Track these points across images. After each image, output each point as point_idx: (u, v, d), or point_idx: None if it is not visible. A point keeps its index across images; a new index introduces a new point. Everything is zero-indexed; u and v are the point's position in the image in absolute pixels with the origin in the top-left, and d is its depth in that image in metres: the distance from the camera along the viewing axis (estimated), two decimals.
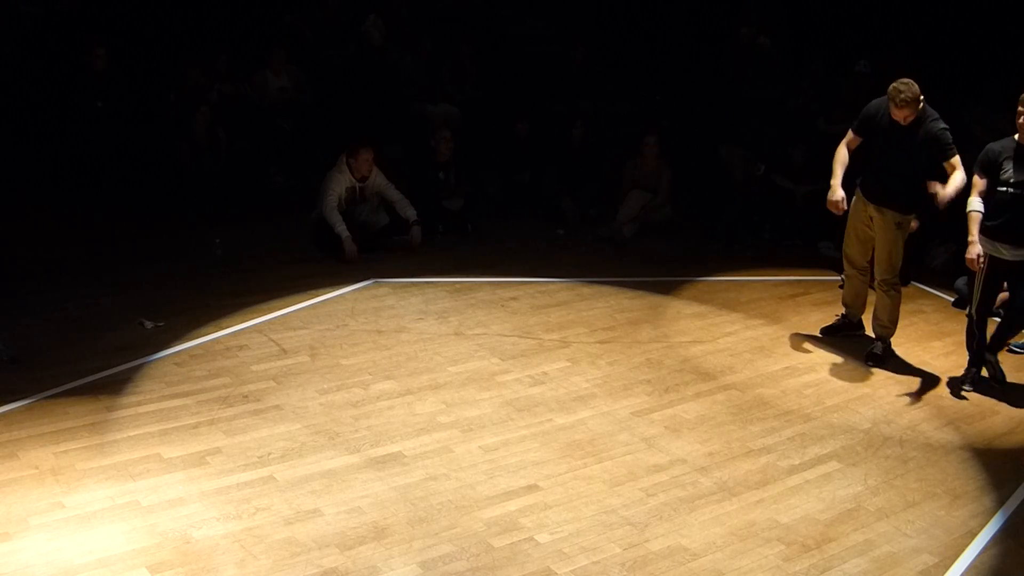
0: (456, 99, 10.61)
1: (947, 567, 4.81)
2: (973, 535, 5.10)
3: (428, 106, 10.42)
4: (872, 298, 7.27)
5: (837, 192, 6.88)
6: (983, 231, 6.40)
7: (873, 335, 7.24)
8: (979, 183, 6.43)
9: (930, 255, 9.06)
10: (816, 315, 7.75)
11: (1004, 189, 6.32)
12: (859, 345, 7.31)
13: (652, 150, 9.67)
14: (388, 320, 7.09)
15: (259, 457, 5.21)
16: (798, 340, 7.41)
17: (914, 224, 6.86)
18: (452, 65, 10.86)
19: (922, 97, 6.49)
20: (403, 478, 5.14)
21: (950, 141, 6.55)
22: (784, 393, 6.53)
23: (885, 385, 6.82)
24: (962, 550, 4.96)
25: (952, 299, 8.35)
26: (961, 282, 8.21)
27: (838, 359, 7.14)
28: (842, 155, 6.94)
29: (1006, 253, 6.41)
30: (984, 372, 6.84)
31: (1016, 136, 6.34)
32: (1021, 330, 6.70)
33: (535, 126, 10.18)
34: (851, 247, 7.18)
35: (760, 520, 5.06)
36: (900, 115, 6.51)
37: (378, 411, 5.82)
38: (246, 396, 5.83)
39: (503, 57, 11.38)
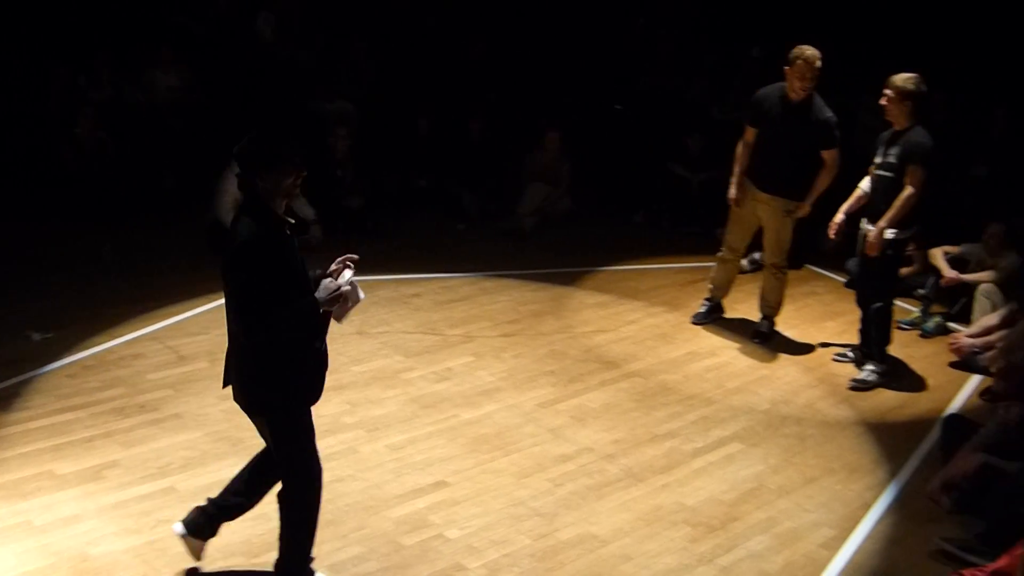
0: (352, 96, 10.51)
1: (845, 538, 4.96)
2: (868, 507, 5.27)
3: (323, 104, 10.29)
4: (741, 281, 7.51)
5: (733, 189, 7.13)
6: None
7: (760, 314, 7.45)
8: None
9: (822, 238, 9.27)
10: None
11: (872, 171, 6.56)
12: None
13: (553, 144, 9.74)
14: None
15: (159, 468, 5.09)
16: (699, 326, 7.54)
17: (805, 210, 7.02)
18: (347, 61, 10.75)
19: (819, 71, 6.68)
20: None
21: (837, 132, 6.78)
22: (686, 378, 6.64)
23: (783, 366, 6.98)
24: (859, 521, 5.12)
25: (844, 280, 8.57)
26: (852, 263, 8.41)
27: (737, 343, 7.28)
28: (739, 152, 7.12)
29: (868, 230, 6.56)
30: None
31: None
32: (879, 309, 6.88)
33: (435, 121, 10.15)
34: (733, 232, 7.36)
35: (666, 504, 5.14)
36: (802, 84, 6.65)
37: None
38: (143, 406, 5.69)
39: (399, 52, 11.29)
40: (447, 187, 9.87)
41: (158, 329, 6.71)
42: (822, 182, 6.89)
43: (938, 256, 7.97)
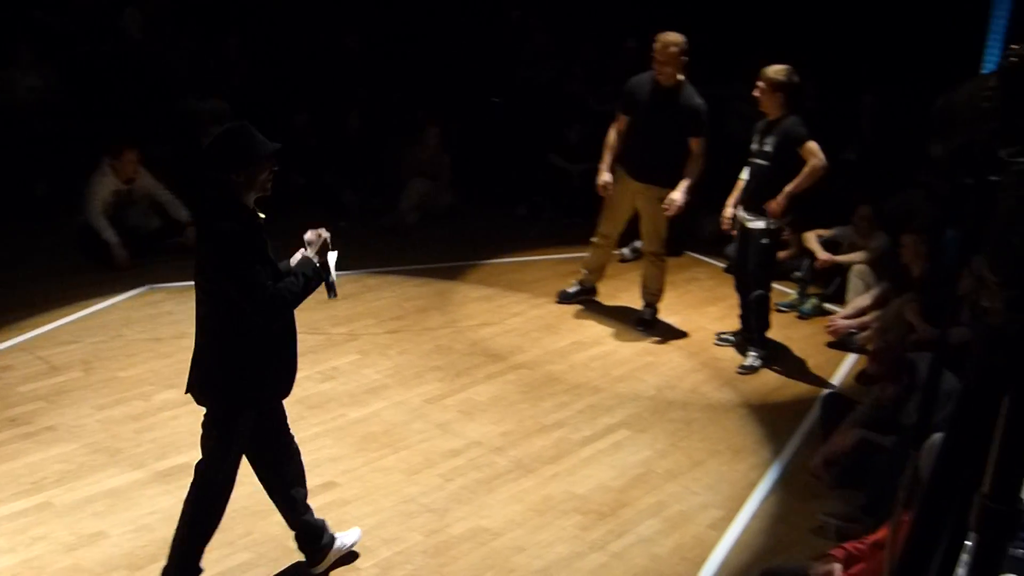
0: (225, 93, 10.26)
1: (732, 518, 5.06)
2: (754, 486, 5.39)
3: (196, 102, 10.03)
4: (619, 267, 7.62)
5: (602, 175, 7.17)
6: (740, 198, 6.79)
7: (642, 302, 7.56)
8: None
9: (700, 225, 9.47)
10: (601, 289, 7.96)
11: (749, 160, 6.72)
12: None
13: (432, 138, 9.69)
14: (167, 327, 6.79)
15: (33, 483, 4.88)
16: (582, 315, 7.61)
17: (677, 205, 7.13)
18: (219, 58, 10.49)
19: (685, 59, 6.82)
20: None
21: (705, 120, 6.90)
22: (572, 368, 6.69)
23: (667, 352, 7.09)
24: (745, 501, 5.24)
25: (724, 265, 8.75)
26: (731, 248, 8.62)
27: (621, 331, 7.37)
28: (611, 139, 7.18)
29: (745, 218, 6.75)
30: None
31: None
32: (758, 297, 7.11)
33: (312, 117, 9.98)
34: (606, 219, 7.49)
35: (557, 493, 5.16)
36: (661, 68, 6.78)
37: (162, 422, 5.57)
38: (14, 420, 5.44)
39: (272, 47, 11.08)
40: (326, 184, 9.73)
41: (28, 339, 6.43)
42: (690, 172, 6.97)
43: (812, 239, 8.21)
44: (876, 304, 7.33)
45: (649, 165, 7.02)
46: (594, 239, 7.62)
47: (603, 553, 4.70)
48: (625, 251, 8.70)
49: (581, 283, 7.80)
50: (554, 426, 5.88)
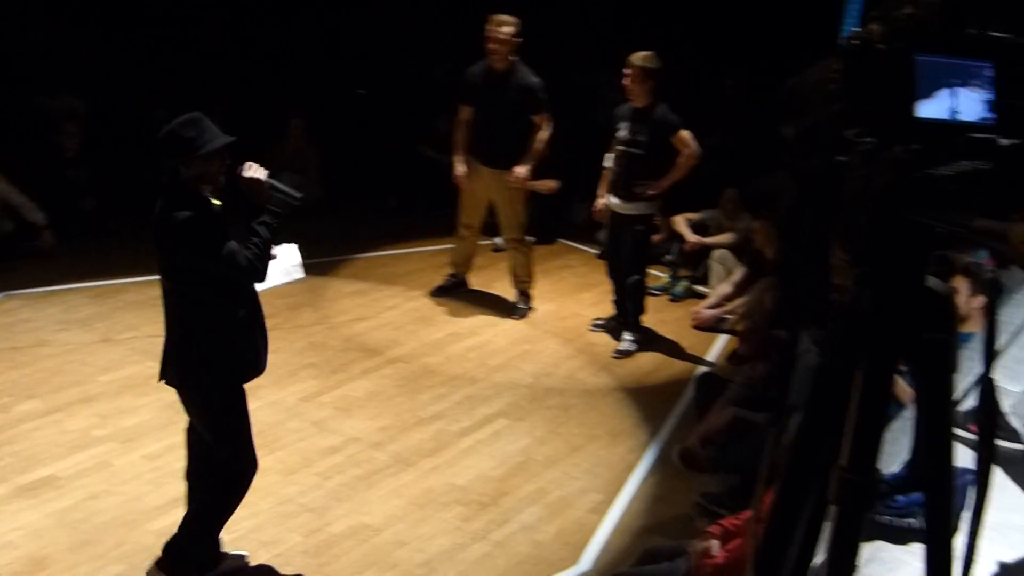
0: (79, 90, 9.87)
1: (612, 501, 5.12)
2: (632, 468, 5.46)
3: (47, 99, 9.62)
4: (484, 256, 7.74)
5: (458, 167, 7.21)
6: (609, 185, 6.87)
7: (515, 291, 7.62)
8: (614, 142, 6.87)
9: (572, 212, 9.56)
10: (475, 280, 7.98)
11: (617, 147, 6.77)
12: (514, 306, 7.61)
13: (298, 132, 9.54)
14: (24, 335, 6.52)
15: None
16: (457, 307, 7.61)
17: (553, 185, 7.19)
18: (72, 52, 10.09)
19: (519, 41, 6.88)
20: (59, 502, 4.76)
21: (543, 95, 6.97)
22: (449, 359, 6.67)
23: (543, 340, 7.14)
24: (624, 483, 5.30)
25: (596, 252, 8.85)
26: (603, 235, 8.72)
27: (496, 320, 7.39)
28: (458, 131, 7.23)
29: (617, 206, 6.85)
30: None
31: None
32: (635, 283, 7.22)
33: (170, 113, 9.68)
34: (465, 211, 7.55)
35: (437, 486, 5.14)
36: (491, 49, 6.85)
37: (23, 434, 5.34)
38: None
39: (127, 41, 10.71)
40: None
41: None
42: (538, 145, 7.02)
43: (681, 223, 8.37)
44: (738, 290, 7.50)
45: (496, 151, 7.07)
46: (458, 232, 7.62)
47: (485, 543, 4.70)
48: (498, 240, 8.71)
49: (453, 276, 7.81)
50: (432, 418, 5.85)
